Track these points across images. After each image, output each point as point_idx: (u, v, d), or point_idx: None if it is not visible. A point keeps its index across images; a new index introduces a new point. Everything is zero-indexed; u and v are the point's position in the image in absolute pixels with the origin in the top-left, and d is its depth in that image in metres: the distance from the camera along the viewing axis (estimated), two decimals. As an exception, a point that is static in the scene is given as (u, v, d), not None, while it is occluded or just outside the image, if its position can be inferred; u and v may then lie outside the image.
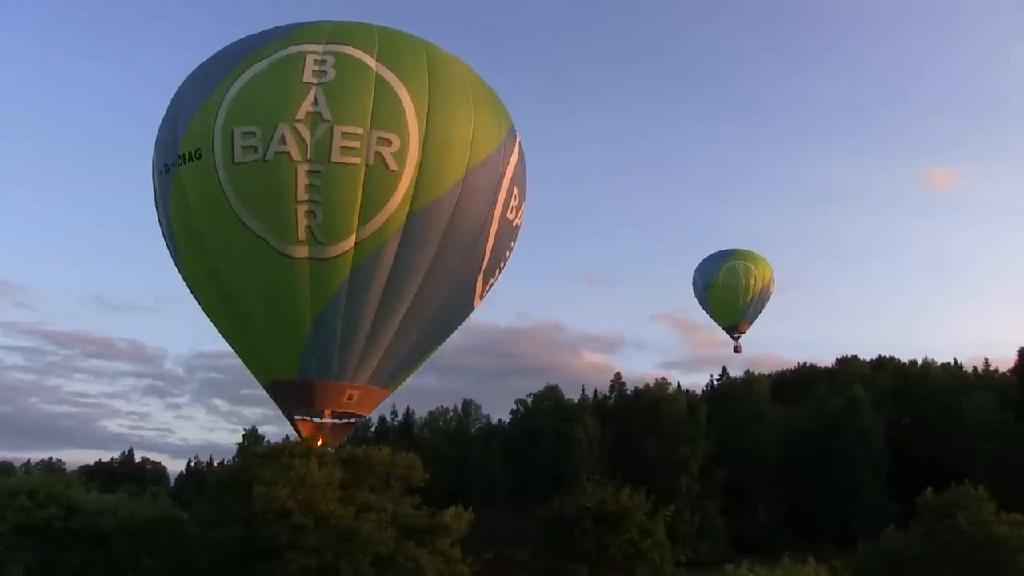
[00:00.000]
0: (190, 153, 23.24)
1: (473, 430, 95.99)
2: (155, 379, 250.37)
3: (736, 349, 71.91)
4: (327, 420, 26.34)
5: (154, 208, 26.55)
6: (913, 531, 44.72)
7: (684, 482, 70.96)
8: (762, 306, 69.91)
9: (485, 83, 26.80)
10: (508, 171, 26.18)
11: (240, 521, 27.21)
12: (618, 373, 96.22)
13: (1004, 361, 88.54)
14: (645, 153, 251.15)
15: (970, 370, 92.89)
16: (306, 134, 22.39)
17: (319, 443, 26.45)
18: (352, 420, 27.13)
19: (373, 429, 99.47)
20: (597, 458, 73.99)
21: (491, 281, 28.17)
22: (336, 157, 22.60)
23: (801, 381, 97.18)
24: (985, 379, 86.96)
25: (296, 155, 22.36)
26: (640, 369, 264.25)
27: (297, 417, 25.88)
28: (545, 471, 75.52)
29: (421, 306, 25.35)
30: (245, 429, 72.29)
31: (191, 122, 23.58)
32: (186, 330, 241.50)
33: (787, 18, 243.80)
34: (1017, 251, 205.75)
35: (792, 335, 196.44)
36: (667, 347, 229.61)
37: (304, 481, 27.61)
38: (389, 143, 23.04)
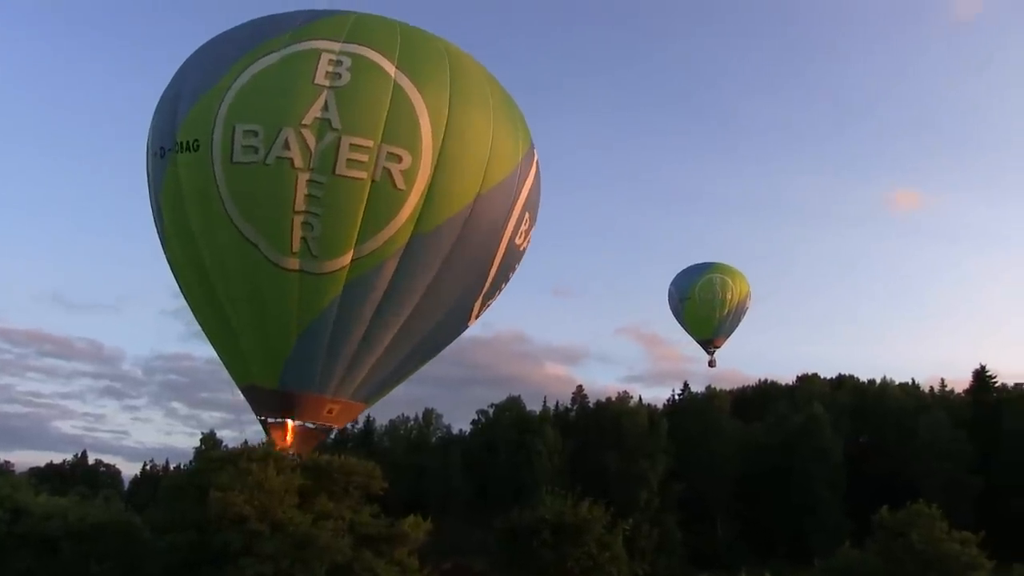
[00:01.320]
0: (188, 143, 22.04)
1: (433, 439, 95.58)
2: (113, 380, 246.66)
3: (711, 363, 71.25)
4: (299, 424, 25.44)
5: (146, 187, 25.48)
6: (868, 548, 45.33)
7: (643, 496, 71.07)
8: (738, 321, 69.44)
9: (508, 96, 25.25)
10: (522, 195, 24.94)
11: (194, 526, 26.65)
12: (580, 385, 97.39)
13: (960, 382, 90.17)
14: (613, 165, 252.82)
15: (927, 390, 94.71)
16: (311, 141, 21.21)
17: (290, 448, 25.59)
18: (325, 428, 26.29)
19: (333, 436, 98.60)
20: (557, 470, 73.98)
21: (489, 302, 27.16)
22: (341, 170, 21.40)
23: (762, 397, 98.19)
24: (941, 399, 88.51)
25: (299, 162, 21.23)
26: (603, 382, 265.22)
27: (270, 420, 24.88)
28: (505, 482, 75.39)
29: (413, 326, 24.39)
30: (203, 433, 71.34)
31: (192, 109, 22.25)
32: (147, 331, 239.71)
33: (759, 38, 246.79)
34: (975, 274, 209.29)
35: (754, 352, 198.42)
36: (630, 360, 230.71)
37: (261, 487, 27.08)
38: (399, 159, 21.74)
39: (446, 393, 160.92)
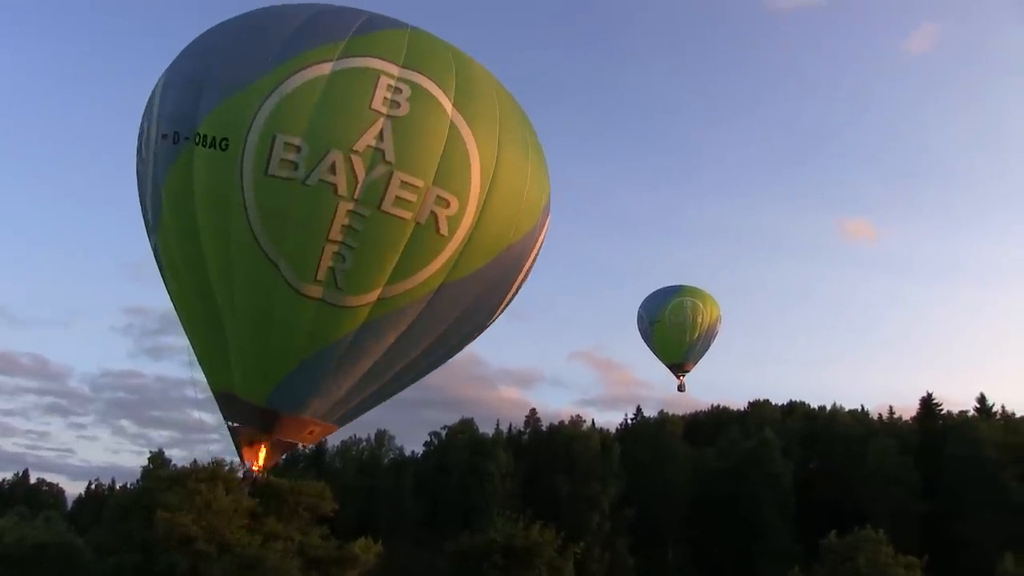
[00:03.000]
0: (214, 139, 20.12)
1: (385, 461, 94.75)
2: (59, 397, 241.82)
3: (680, 388, 68.71)
4: (274, 440, 23.99)
5: (136, 156, 23.32)
6: (816, 573, 46.01)
7: (595, 520, 71.11)
8: (708, 344, 67.59)
9: (538, 141, 24.20)
10: (537, 245, 24.14)
11: (140, 547, 26.20)
12: (533, 409, 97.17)
13: (907, 409, 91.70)
14: (569, 190, 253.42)
15: (876, 417, 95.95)
16: (360, 171, 19.71)
17: (259, 461, 24.40)
18: (293, 444, 25.40)
19: (283, 456, 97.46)
20: (509, 493, 73.84)
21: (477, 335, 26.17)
22: (387, 206, 19.91)
23: (713, 423, 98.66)
24: (889, 426, 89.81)
25: (342, 190, 19.69)
26: (556, 405, 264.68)
27: (242, 431, 23.39)
28: (456, 504, 74.94)
29: (418, 364, 23.51)
30: (151, 452, 69.73)
31: (224, 102, 20.30)
32: (96, 347, 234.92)
33: (717, 69, 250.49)
34: (923, 304, 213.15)
35: (706, 377, 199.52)
36: (584, 385, 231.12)
37: (209, 507, 26.73)
38: (447, 204, 20.42)
39: (399, 414, 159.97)
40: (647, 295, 69.78)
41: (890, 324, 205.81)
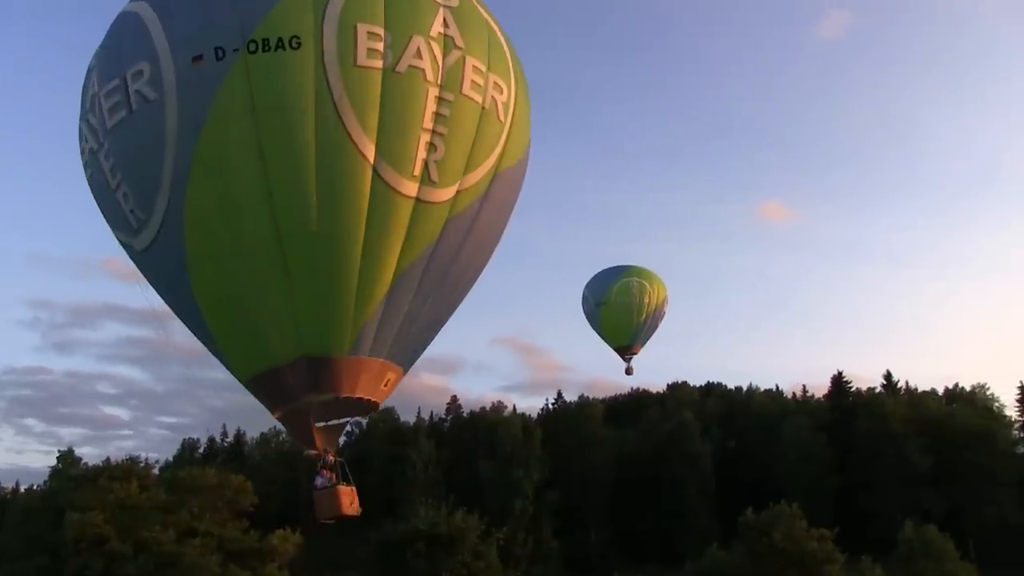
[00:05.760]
0: (280, 40, 18.50)
1: (306, 452, 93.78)
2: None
3: (628, 371, 66.73)
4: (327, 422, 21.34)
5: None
6: (735, 549, 47.23)
7: (518, 504, 71.50)
8: (655, 326, 65.60)
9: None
10: (523, 178, 23.39)
11: (47, 551, 25.29)
12: (454, 396, 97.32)
13: (820, 388, 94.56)
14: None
15: (790, 396, 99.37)
16: (439, 55, 19.25)
17: (327, 451, 21.27)
18: (345, 421, 22.14)
19: (202, 450, 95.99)
20: (432, 481, 73.83)
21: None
22: (466, 90, 19.59)
23: (634, 405, 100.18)
24: (803, 404, 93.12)
25: (430, 75, 19.11)
26: (479, 391, 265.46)
27: (317, 402, 20.37)
28: (379, 494, 74.49)
29: (467, 276, 22.17)
30: (60, 451, 67.37)
31: (280, 3, 18.80)
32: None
33: (635, 52, 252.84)
34: (833, 285, 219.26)
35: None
36: (506, 370, 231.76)
37: (123, 505, 26.01)
38: (501, 91, 20.40)
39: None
40: (592, 276, 67.42)
41: (803, 304, 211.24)
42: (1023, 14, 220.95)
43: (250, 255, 19.27)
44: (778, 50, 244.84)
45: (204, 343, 21.06)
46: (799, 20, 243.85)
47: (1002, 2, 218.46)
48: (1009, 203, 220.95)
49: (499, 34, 21.03)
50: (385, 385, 21.07)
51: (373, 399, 20.94)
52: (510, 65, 20.95)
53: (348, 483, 21.06)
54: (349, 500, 20.79)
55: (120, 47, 19.75)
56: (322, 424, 20.91)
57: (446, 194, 19.63)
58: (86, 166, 20.82)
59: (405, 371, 21.91)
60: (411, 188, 19.13)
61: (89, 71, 20.58)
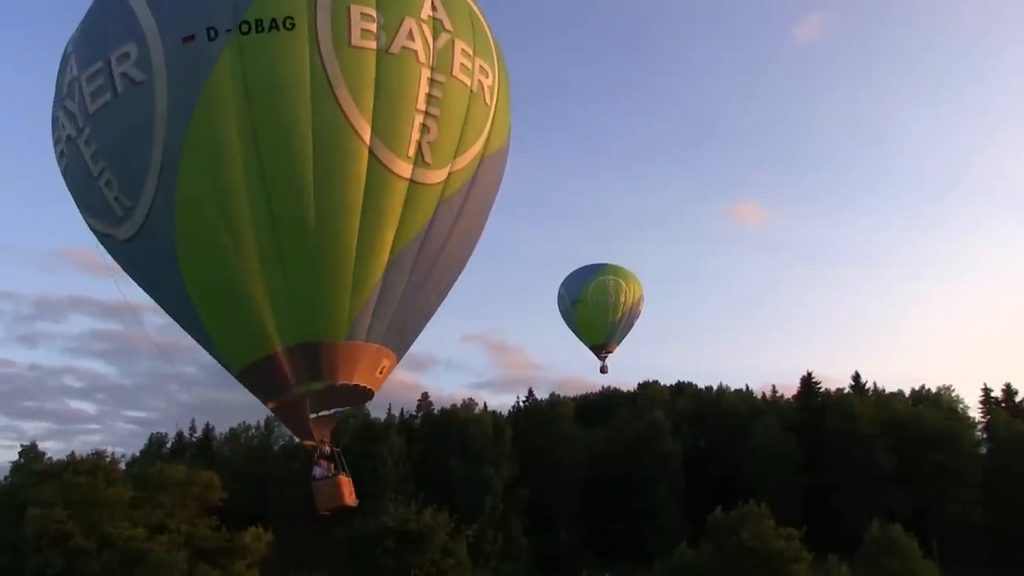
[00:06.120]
0: (274, 20, 18.33)
1: (276, 447, 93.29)
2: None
3: (603, 370, 66.65)
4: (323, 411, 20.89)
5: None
6: (704, 548, 47.57)
7: (488, 502, 71.50)
8: (631, 325, 65.48)
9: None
10: (505, 165, 23.37)
11: (8, 548, 24.81)
12: (425, 393, 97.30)
13: (790, 388, 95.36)
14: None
15: (760, 396, 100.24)
16: (430, 37, 19.26)
17: (324, 442, 20.76)
18: (338, 412, 21.56)
19: (170, 445, 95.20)
20: (402, 477, 73.69)
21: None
22: (456, 72, 19.56)
23: (605, 404, 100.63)
24: (772, 404, 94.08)
25: (422, 57, 19.08)
26: (450, 389, 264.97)
27: (309, 391, 19.83)
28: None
29: (455, 265, 21.99)
30: (23, 445, 66.21)
31: None
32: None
33: (615, 54, 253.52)
34: (804, 286, 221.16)
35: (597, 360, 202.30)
36: (477, 368, 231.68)
37: (88, 501, 25.61)
38: (487, 75, 20.43)
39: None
40: (568, 274, 67.20)
41: (774, 305, 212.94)
42: (996, 17, 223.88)
43: (244, 239, 18.86)
44: (757, 52, 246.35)
45: (193, 334, 20.59)
46: (778, 22, 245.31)
47: (976, 5, 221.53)
48: (980, 205, 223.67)
49: (481, 20, 21.05)
50: (380, 372, 20.78)
51: (369, 387, 20.62)
52: (493, 51, 20.97)
53: (346, 473, 20.75)
54: (349, 490, 20.47)
55: (102, 30, 19.33)
56: (315, 415, 20.46)
57: (439, 176, 19.53)
58: (61, 155, 20.26)
59: (399, 359, 21.62)
60: (406, 169, 19.00)
61: (65, 57, 20.09)
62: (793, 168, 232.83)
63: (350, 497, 20.38)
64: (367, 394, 20.98)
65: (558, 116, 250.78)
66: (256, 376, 20.01)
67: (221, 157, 18.54)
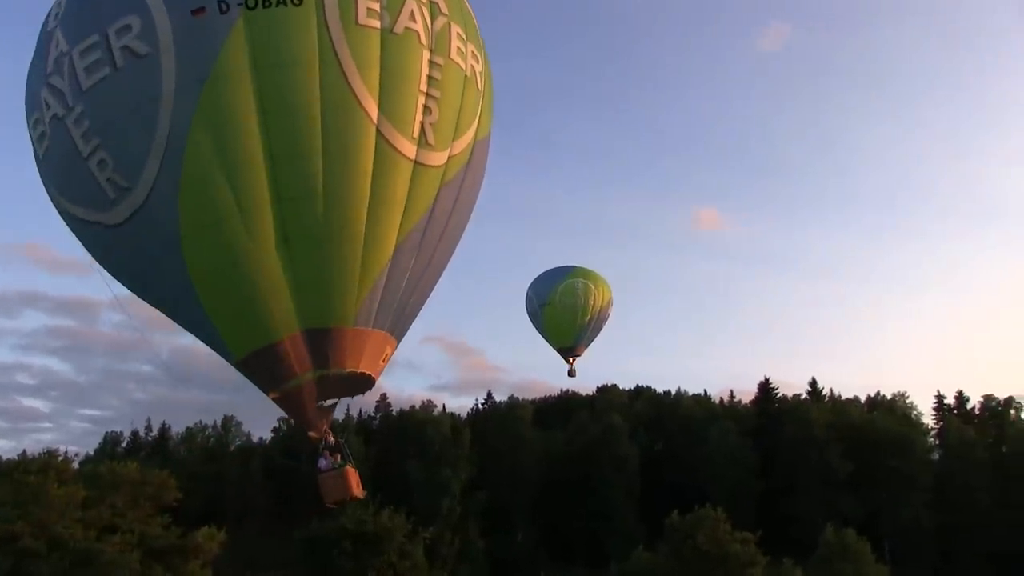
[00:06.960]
0: None
1: (232, 447, 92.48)
2: None
3: (571, 373, 65.16)
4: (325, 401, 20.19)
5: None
6: (660, 551, 47.90)
7: (446, 504, 71.41)
8: (599, 328, 64.76)
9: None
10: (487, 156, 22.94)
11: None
12: (384, 394, 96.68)
13: (747, 393, 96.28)
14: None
15: (717, 401, 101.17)
16: (428, 19, 19.20)
17: (327, 433, 20.25)
18: (335, 402, 20.68)
19: (125, 444, 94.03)
20: (359, 478, 73.31)
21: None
22: (453, 55, 19.51)
23: (563, 407, 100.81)
24: (730, 409, 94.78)
25: (423, 38, 18.98)
26: (409, 390, 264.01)
27: (314, 379, 19.20)
28: (306, 491, 73.65)
29: (449, 250, 21.70)
30: (-27, 444, 65.16)
31: None
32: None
33: (575, 62, 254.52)
34: (763, 292, 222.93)
35: (556, 363, 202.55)
36: (437, 369, 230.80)
37: (38, 500, 25.11)
38: (478, 60, 20.45)
39: (246, 400, 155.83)
40: (536, 276, 66.64)
41: (733, 312, 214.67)
42: (945, 35, 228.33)
43: (251, 220, 18.25)
44: (720, 61, 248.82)
45: (189, 322, 19.93)
46: (741, 32, 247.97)
47: (935, 19, 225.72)
48: (935, 214, 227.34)
49: (468, 8, 21.21)
50: (383, 360, 20.30)
51: (372, 375, 20.04)
52: (479, 39, 21.07)
53: (352, 464, 20.24)
54: (356, 481, 20.00)
55: (96, 2, 18.51)
56: (318, 404, 19.81)
57: (440, 159, 19.36)
58: (42, 136, 19.14)
59: (398, 344, 21.19)
60: (411, 150, 18.75)
61: (48, 33, 19.17)
62: (752, 175, 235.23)
63: (357, 488, 19.94)
64: (370, 382, 20.40)
65: (520, 120, 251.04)
66: (259, 364, 19.32)
67: (232, 134, 17.97)
